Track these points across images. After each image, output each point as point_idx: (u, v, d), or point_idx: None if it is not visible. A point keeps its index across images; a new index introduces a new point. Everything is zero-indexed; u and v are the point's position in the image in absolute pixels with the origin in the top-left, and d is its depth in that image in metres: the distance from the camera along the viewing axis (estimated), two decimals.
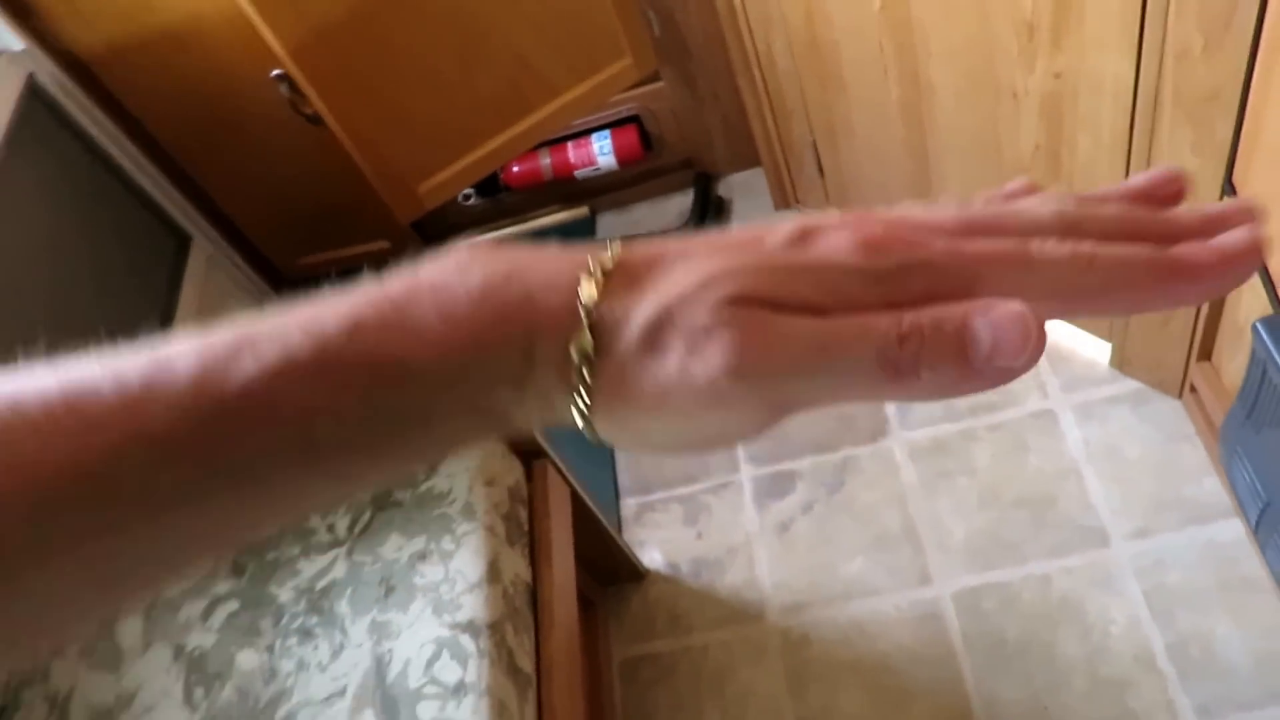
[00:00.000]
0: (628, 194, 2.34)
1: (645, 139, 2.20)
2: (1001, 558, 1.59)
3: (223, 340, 0.27)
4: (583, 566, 1.65)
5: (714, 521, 1.77)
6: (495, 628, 1.10)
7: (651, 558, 1.76)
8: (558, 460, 1.40)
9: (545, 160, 2.21)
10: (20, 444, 0.25)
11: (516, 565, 1.22)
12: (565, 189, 2.32)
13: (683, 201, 2.29)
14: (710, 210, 2.24)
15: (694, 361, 0.25)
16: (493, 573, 1.15)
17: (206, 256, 2.17)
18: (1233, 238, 0.26)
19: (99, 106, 1.92)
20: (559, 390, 0.27)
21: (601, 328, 0.26)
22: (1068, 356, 1.77)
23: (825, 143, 1.94)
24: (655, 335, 0.26)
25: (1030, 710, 1.44)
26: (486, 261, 0.28)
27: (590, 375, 0.26)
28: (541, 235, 2.37)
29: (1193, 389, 1.62)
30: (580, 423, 0.27)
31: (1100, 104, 1.33)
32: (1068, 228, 0.27)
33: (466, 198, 2.28)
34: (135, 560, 0.27)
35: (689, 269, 0.27)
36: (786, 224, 0.28)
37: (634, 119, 2.18)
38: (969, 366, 0.24)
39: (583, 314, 0.27)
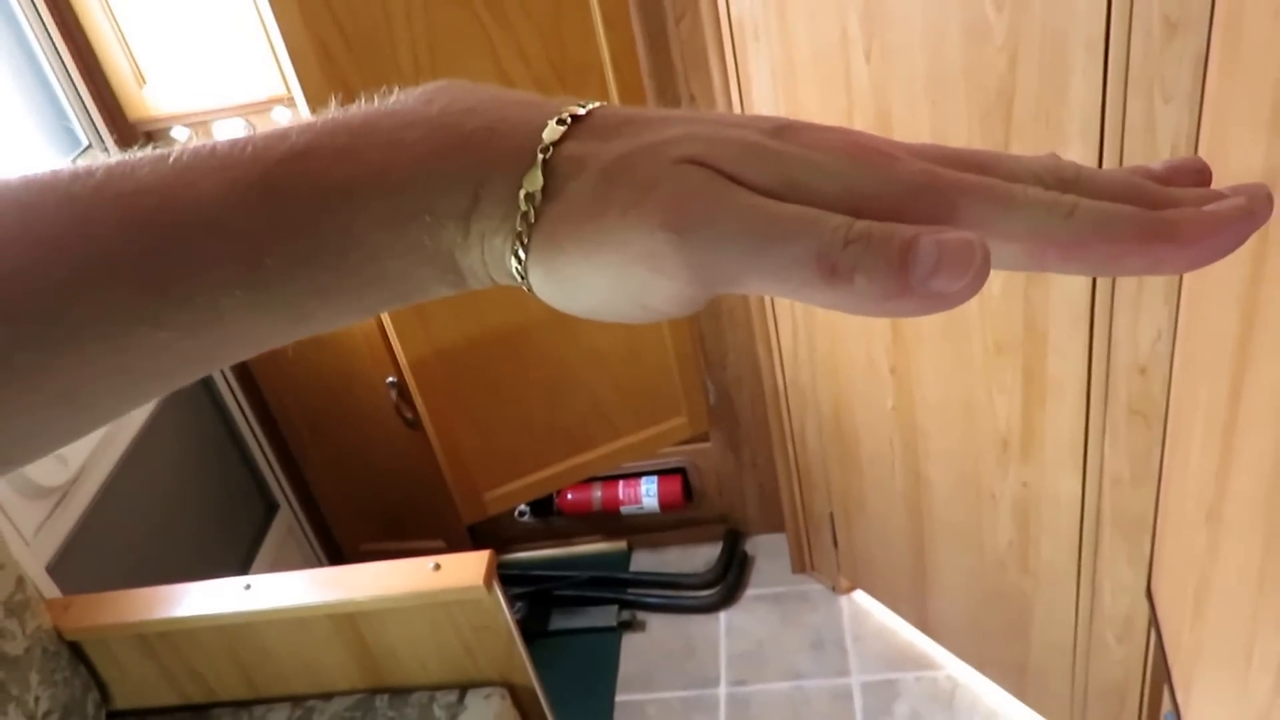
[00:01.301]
0: (663, 536, 2.64)
1: (687, 489, 2.54)
2: None
3: (185, 156, 0.27)
4: None
5: None
6: None
7: None
8: None
9: (597, 493, 2.54)
10: None
11: None
12: (609, 522, 2.63)
13: (710, 551, 2.57)
14: (735, 564, 2.52)
15: (634, 210, 0.25)
16: None
17: (287, 526, 2.49)
18: (1225, 205, 0.25)
19: (235, 376, 2.33)
20: (501, 232, 0.27)
21: (555, 170, 0.27)
22: None
23: (841, 518, 2.25)
24: (606, 183, 0.26)
25: None
26: (454, 94, 0.28)
27: (534, 218, 0.26)
28: (581, 560, 2.66)
29: None
30: (514, 267, 0.27)
31: (1058, 513, 1.64)
32: (1059, 181, 0.26)
33: (521, 514, 2.60)
34: (92, 381, 0.27)
35: (659, 129, 0.27)
36: (775, 116, 0.28)
37: (680, 470, 2.53)
38: (905, 280, 0.23)
39: (539, 154, 0.27)
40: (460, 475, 2.21)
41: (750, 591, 2.47)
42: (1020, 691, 1.98)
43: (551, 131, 0.27)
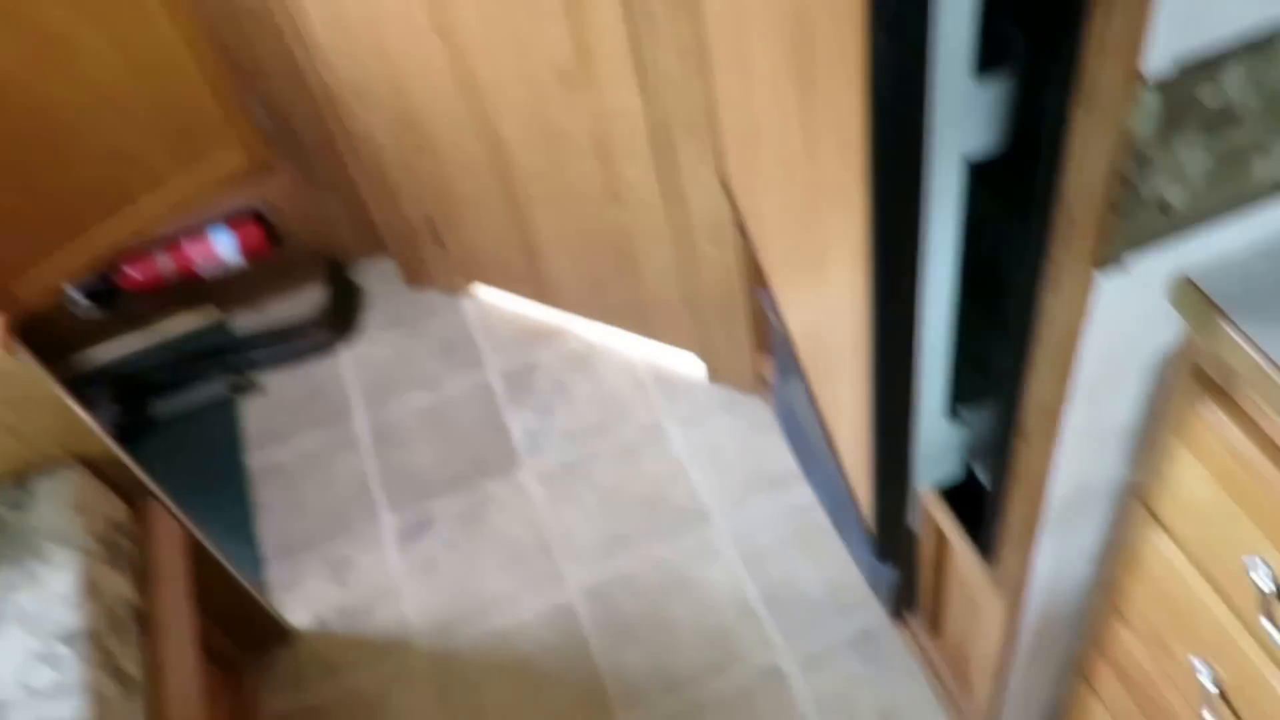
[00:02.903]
0: (259, 290, 2.44)
1: (271, 232, 2.33)
2: (622, 550, 1.80)
3: None
4: (224, 633, 1.69)
5: (359, 572, 1.87)
6: (94, 635, 1.15)
7: (298, 617, 1.82)
8: (167, 502, 1.46)
9: (165, 260, 2.27)
10: None
11: (119, 586, 1.27)
12: (192, 291, 2.38)
13: (317, 293, 2.42)
14: (344, 297, 2.39)
15: None
16: (91, 589, 1.20)
17: None
18: None
19: None
20: None
21: None
22: (670, 377, 2.05)
23: (439, 214, 2.16)
24: None
25: (651, 669, 1.63)
26: None
27: None
28: (173, 344, 2.42)
29: (764, 381, 1.92)
30: None
31: (631, 134, 1.62)
32: None
33: (81, 306, 2.30)
34: None
35: None
36: None
37: (254, 212, 2.31)
38: None
39: None
40: None
41: (367, 319, 2.36)
42: (646, 329, 2.05)
43: None
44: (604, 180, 1.76)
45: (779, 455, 1.87)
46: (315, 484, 2.04)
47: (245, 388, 2.28)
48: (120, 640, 1.19)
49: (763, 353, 1.86)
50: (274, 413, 2.21)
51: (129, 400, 2.26)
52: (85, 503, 1.29)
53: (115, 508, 1.35)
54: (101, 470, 1.35)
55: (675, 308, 1.93)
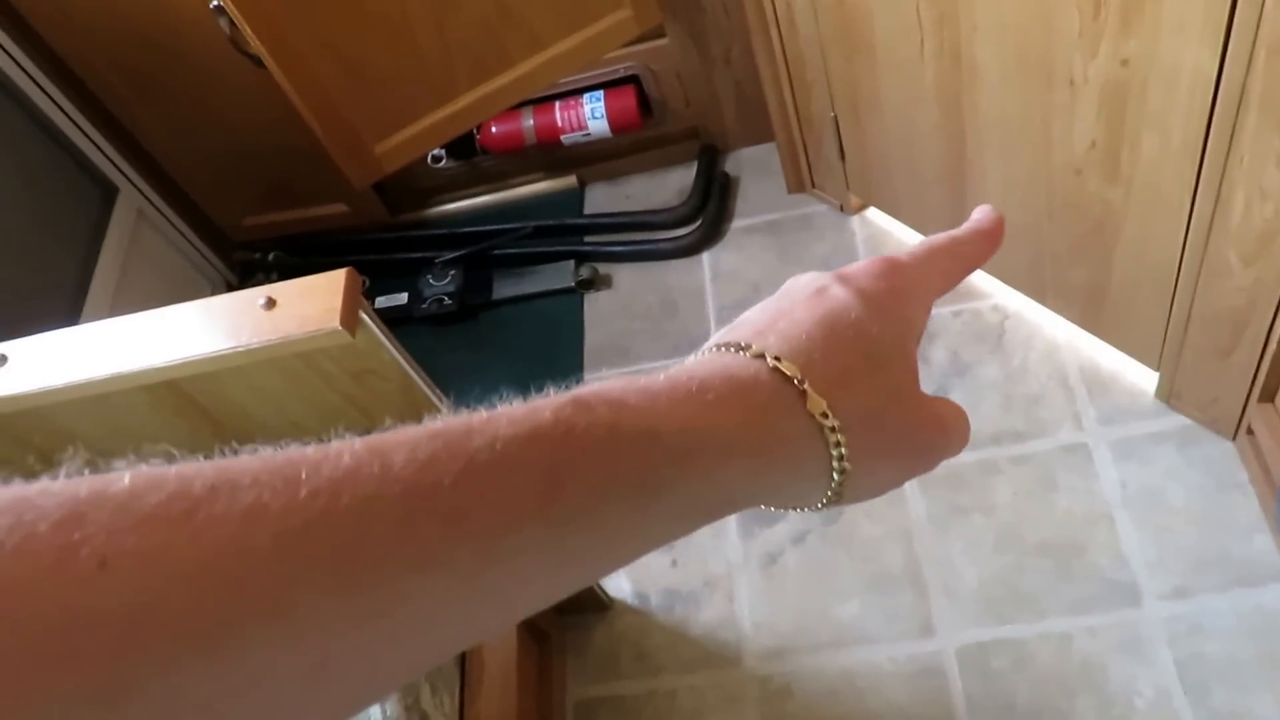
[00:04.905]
0: (621, 164, 2.22)
1: (644, 103, 2.07)
2: (1017, 610, 1.48)
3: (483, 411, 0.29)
4: None
5: (692, 548, 1.65)
6: (406, 690, 0.98)
7: (619, 586, 1.64)
8: None
9: (528, 121, 2.07)
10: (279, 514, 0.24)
11: None
12: (550, 155, 2.19)
13: (683, 177, 2.16)
14: (715, 190, 2.11)
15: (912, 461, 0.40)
16: None
17: (136, 210, 2.05)
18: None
19: (16, 42, 1.80)
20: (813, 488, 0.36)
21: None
22: (1108, 384, 1.65)
23: (848, 121, 1.81)
24: (882, 447, 0.37)
25: None
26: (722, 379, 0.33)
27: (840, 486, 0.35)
28: (523, 206, 2.25)
29: (1250, 432, 1.50)
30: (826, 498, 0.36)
31: (1173, 100, 1.21)
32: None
33: (437, 159, 2.15)
34: (393, 634, 0.26)
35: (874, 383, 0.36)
36: (846, 288, 0.37)
37: (633, 80, 2.05)
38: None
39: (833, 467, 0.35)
40: (334, 124, 1.73)
41: (737, 223, 2.08)
42: (1091, 323, 1.66)
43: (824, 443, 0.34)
44: (1104, 146, 1.35)
45: (1247, 531, 1.46)
46: None
47: (593, 281, 2.07)
48: (434, 692, 1.02)
49: (1268, 404, 1.44)
50: (621, 317, 2.00)
51: (471, 271, 2.12)
52: None
53: None
54: None
55: (1145, 310, 1.52)
